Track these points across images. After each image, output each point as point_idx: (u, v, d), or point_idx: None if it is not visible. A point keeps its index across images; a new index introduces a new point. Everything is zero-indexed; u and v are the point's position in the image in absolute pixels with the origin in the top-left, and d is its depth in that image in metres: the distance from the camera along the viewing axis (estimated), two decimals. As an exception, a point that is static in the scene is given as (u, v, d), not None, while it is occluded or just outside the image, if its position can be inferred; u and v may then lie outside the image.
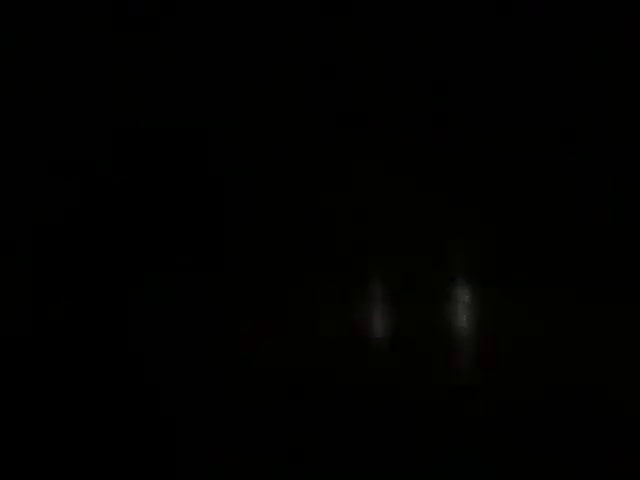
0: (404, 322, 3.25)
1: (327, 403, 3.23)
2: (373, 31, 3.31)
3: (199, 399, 3.25)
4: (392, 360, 3.25)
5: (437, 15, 3.30)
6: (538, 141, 3.29)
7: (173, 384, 3.26)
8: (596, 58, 3.27)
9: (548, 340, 3.21)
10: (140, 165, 3.32)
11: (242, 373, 3.25)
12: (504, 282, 3.25)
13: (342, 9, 3.31)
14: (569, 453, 3.16)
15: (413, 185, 3.30)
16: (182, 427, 3.24)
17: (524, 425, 3.18)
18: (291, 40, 3.31)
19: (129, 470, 3.22)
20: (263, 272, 3.30)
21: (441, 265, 3.27)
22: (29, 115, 3.35)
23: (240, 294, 3.29)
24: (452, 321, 3.25)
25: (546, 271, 3.24)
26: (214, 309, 3.29)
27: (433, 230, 3.28)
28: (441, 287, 3.26)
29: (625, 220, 3.23)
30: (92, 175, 3.32)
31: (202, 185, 3.33)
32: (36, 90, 3.30)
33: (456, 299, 3.25)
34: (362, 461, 3.20)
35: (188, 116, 3.33)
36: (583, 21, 3.27)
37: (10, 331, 3.28)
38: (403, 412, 3.21)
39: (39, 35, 3.35)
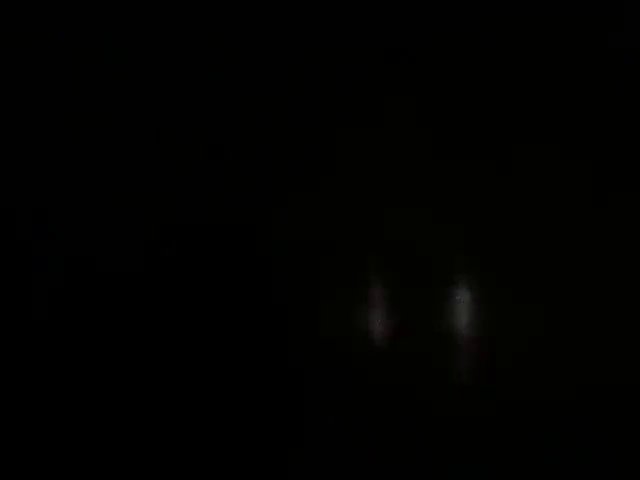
0: (404, 322, 3.25)
1: (327, 403, 3.23)
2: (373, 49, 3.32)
3: (199, 396, 3.25)
4: (392, 360, 3.25)
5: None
6: (537, 144, 3.29)
7: (173, 383, 3.26)
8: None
9: (548, 340, 3.21)
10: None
11: (241, 370, 3.25)
12: (504, 282, 3.25)
13: None
14: (569, 453, 3.16)
15: (413, 185, 3.30)
16: (180, 424, 3.24)
17: (524, 425, 3.18)
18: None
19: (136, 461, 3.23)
20: (263, 271, 3.30)
21: (441, 265, 3.27)
22: None
23: (239, 295, 3.29)
24: (452, 321, 3.25)
25: (545, 272, 3.24)
26: (216, 306, 3.29)
27: (433, 230, 3.28)
28: (441, 287, 3.26)
29: (624, 222, 3.24)
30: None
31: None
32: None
33: (456, 299, 3.25)
34: (362, 460, 3.20)
35: None
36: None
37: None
38: (403, 411, 3.21)
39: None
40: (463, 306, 3.24)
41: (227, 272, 3.31)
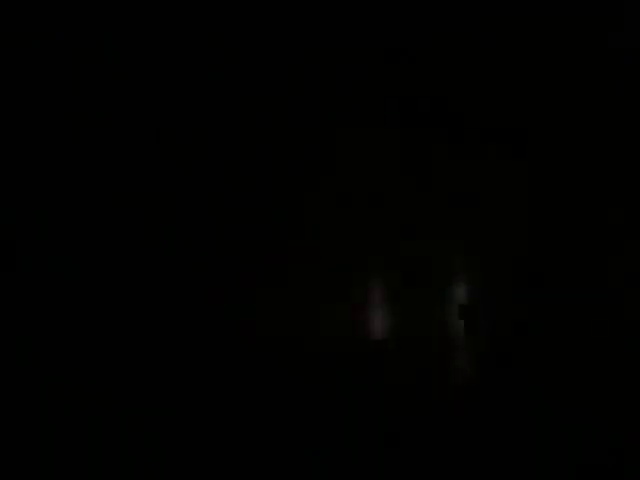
0: (404, 322, 3.26)
1: (327, 402, 3.24)
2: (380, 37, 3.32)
3: (198, 394, 3.25)
4: (392, 360, 3.25)
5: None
6: (537, 143, 3.29)
7: (173, 377, 3.26)
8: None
9: (547, 340, 3.21)
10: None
11: (242, 370, 3.26)
12: (504, 283, 3.25)
13: None
14: (568, 453, 3.16)
15: (413, 185, 3.31)
16: (179, 421, 3.24)
17: (522, 424, 3.18)
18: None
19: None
20: (264, 272, 3.30)
21: (441, 265, 3.28)
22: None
23: (241, 294, 3.30)
24: (452, 321, 3.25)
25: (545, 273, 3.25)
26: (214, 308, 3.29)
27: (433, 230, 3.29)
28: (441, 287, 3.27)
29: (625, 222, 3.24)
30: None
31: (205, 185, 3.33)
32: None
33: (456, 299, 3.26)
34: (362, 460, 3.20)
35: None
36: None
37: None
38: (403, 411, 3.22)
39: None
40: (463, 306, 3.25)
41: (227, 271, 3.31)
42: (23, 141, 3.37)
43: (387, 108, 3.32)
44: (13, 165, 3.36)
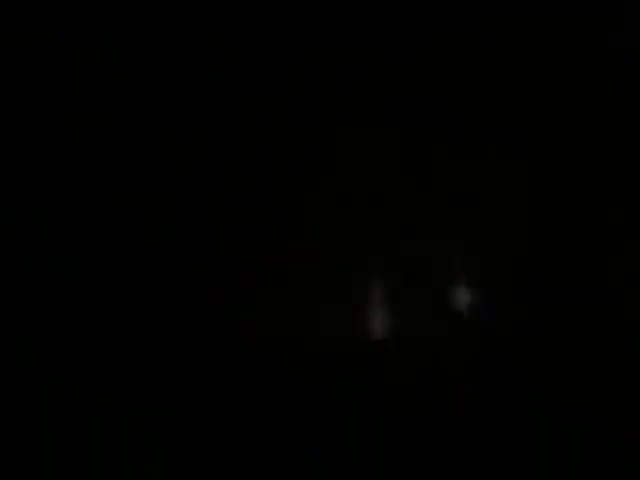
0: (404, 322, 3.26)
1: (327, 402, 3.23)
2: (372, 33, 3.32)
3: (198, 394, 3.25)
4: (392, 360, 3.25)
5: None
6: (537, 143, 3.29)
7: (172, 377, 3.26)
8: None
9: (547, 340, 3.21)
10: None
11: (242, 370, 3.26)
12: (504, 283, 3.25)
13: None
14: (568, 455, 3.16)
15: (413, 185, 3.31)
16: (179, 421, 3.24)
17: (522, 424, 3.18)
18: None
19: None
20: (264, 272, 3.30)
21: (441, 265, 3.28)
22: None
23: (240, 294, 3.29)
24: (451, 321, 3.25)
25: (545, 273, 3.24)
26: (214, 308, 3.29)
27: (433, 230, 3.29)
28: (441, 287, 3.27)
29: (627, 222, 3.24)
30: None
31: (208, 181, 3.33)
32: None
33: (456, 300, 3.25)
34: (362, 460, 3.20)
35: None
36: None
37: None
38: (403, 411, 3.22)
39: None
40: (462, 306, 3.25)
41: (227, 271, 3.31)
42: (23, 141, 3.37)
43: (387, 108, 3.32)
44: (13, 165, 3.36)
